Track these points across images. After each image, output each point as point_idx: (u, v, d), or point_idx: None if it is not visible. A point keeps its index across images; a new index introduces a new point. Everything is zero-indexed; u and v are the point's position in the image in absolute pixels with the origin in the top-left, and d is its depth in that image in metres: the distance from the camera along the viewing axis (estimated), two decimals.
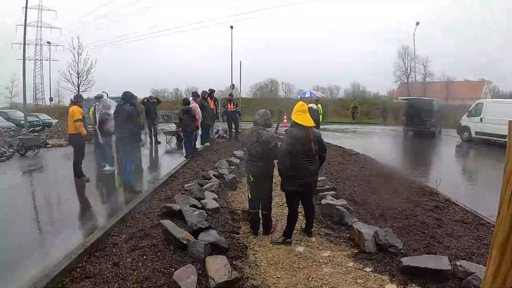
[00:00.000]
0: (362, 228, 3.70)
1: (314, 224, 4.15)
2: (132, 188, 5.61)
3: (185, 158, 8.56)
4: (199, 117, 8.88)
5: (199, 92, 11.34)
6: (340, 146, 10.84)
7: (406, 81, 38.62)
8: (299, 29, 75.45)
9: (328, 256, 3.48)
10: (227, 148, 10.17)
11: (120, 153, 6.64)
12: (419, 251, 3.48)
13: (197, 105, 8.83)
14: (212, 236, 3.45)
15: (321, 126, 11.36)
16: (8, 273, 3.04)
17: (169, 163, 8.22)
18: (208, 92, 11.21)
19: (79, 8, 64.46)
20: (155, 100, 12.22)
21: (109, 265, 3.06)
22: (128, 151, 5.80)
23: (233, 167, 7.50)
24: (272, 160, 4.04)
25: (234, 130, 12.38)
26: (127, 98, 5.79)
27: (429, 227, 4.11)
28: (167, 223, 3.60)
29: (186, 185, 5.66)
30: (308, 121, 3.69)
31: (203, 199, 4.85)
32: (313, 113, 9.93)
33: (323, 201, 4.76)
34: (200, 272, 2.87)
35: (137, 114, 5.88)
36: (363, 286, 2.90)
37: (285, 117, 21.66)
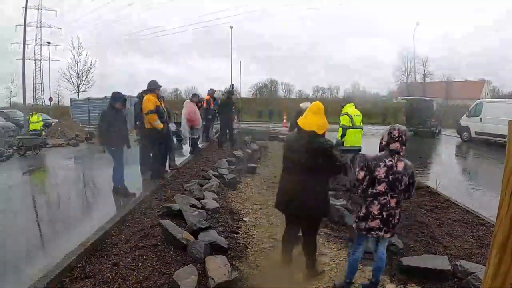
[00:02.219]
0: None
1: None
2: (123, 190, 5.45)
3: (189, 154, 8.81)
4: (196, 117, 8.88)
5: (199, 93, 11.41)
6: None
7: (406, 81, 38.66)
8: (298, 28, 75.37)
9: (328, 256, 3.48)
10: (227, 148, 10.17)
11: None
12: (419, 251, 3.48)
13: (194, 105, 8.83)
14: (212, 236, 3.45)
15: None
16: (8, 273, 3.04)
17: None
18: (209, 92, 11.32)
19: (79, 8, 64.15)
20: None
21: (109, 265, 3.06)
22: (112, 155, 5.55)
23: (233, 167, 7.50)
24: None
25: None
26: (111, 99, 5.56)
27: (429, 227, 4.11)
28: (167, 223, 3.60)
29: (186, 185, 5.66)
30: (308, 124, 2.84)
31: (203, 199, 4.84)
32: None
33: None
34: (200, 272, 2.87)
35: (109, 116, 5.34)
36: (363, 286, 2.90)
37: (285, 117, 21.67)
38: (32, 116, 12.95)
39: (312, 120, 2.84)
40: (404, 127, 2.62)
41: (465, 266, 2.93)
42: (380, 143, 2.65)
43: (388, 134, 2.59)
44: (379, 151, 2.65)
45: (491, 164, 9.95)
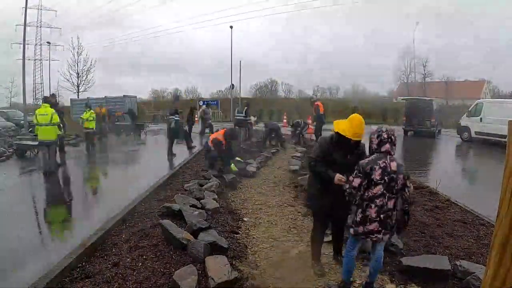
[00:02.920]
0: None
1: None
2: None
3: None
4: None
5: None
6: None
7: (406, 81, 38.65)
8: (299, 28, 75.38)
9: (328, 256, 3.48)
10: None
11: None
12: (419, 251, 3.48)
13: None
14: (212, 236, 3.45)
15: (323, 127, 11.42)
16: (8, 273, 3.04)
17: (169, 163, 8.23)
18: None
19: (78, 7, 64.14)
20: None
21: (109, 265, 3.07)
22: None
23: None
24: None
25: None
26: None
27: (429, 227, 4.11)
28: (167, 223, 3.60)
29: (186, 185, 5.66)
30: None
31: (203, 199, 4.84)
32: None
33: None
34: (200, 272, 2.87)
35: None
36: (363, 286, 2.90)
37: (285, 117, 21.67)
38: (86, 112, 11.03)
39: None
40: (391, 128, 2.63)
41: (465, 266, 2.93)
42: (370, 147, 2.64)
43: (378, 137, 2.59)
44: (370, 154, 2.65)
45: (491, 164, 9.95)
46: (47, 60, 36.07)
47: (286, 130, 14.23)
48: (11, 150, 10.05)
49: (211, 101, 30.11)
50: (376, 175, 2.51)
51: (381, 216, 2.54)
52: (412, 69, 37.77)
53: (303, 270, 3.19)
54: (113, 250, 3.40)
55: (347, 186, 2.63)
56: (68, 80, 32.24)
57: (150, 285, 2.72)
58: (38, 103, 37.83)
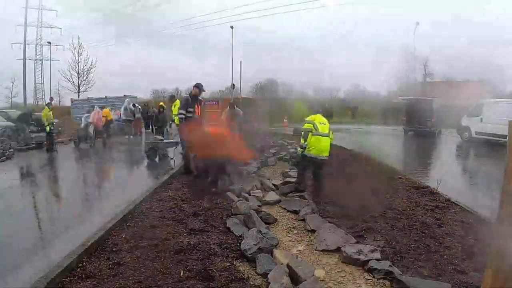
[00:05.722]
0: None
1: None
2: None
3: None
4: None
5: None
6: (340, 146, 10.83)
7: (406, 81, 38.56)
8: (299, 28, 75.28)
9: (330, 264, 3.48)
10: None
11: None
12: (419, 251, 3.48)
13: None
14: None
15: None
16: (8, 273, 3.04)
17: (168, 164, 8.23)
18: None
19: (79, 7, 64.02)
20: None
21: (109, 265, 3.06)
22: None
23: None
24: None
25: None
26: None
27: (429, 227, 4.11)
28: None
29: None
30: None
31: None
32: None
33: None
34: None
35: None
36: (359, 286, 2.91)
37: (285, 118, 21.69)
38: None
39: None
40: None
41: None
42: None
43: None
44: None
45: (491, 164, 9.94)
46: (47, 60, 36.06)
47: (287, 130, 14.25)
48: (11, 150, 10.06)
49: (210, 100, 30.00)
50: None
51: None
52: (412, 69, 37.70)
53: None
54: (113, 250, 3.38)
55: None
56: (69, 80, 32.24)
57: (151, 285, 2.72)
58: (38, 103, 37.85)
